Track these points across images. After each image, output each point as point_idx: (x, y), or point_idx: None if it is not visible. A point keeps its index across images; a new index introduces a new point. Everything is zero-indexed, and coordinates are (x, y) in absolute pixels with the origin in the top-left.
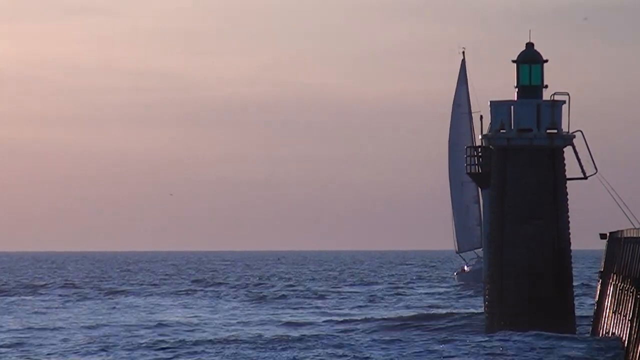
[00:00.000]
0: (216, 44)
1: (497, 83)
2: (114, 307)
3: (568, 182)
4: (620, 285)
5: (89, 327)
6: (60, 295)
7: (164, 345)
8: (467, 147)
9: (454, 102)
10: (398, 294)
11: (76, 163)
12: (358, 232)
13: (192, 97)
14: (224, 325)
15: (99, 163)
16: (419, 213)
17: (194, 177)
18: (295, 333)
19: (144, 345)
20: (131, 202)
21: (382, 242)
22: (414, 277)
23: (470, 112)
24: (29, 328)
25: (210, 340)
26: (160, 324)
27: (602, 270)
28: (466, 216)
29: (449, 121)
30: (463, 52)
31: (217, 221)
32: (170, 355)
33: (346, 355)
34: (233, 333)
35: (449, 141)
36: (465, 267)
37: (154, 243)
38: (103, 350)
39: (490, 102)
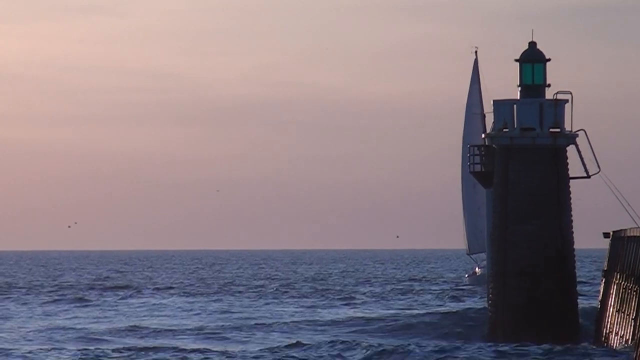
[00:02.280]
0: (216, 44)
1: (502, 83)
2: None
3: (571, 181)
4: (623, 284)
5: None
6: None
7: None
8: (469, 146)
9: (467, 102)
10: None
11: (76, 163)
12: (357, 232)
13: (192, 97)
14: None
15: (99, 163)
16: (422, 213)
17: (194, 177)
18: None
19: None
20: (130, 202)
21: (382, 243)
22: None
23: (483, 112)
24: None
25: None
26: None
27: (606, 269)
28: (477, 218)
29: (461, 121)
30: (476, 52)
31: (217, 221)
32: None
33: None
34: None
35: (462, 141)
36: (477, 269)
37: (154, 243)
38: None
39: (493, 101)
